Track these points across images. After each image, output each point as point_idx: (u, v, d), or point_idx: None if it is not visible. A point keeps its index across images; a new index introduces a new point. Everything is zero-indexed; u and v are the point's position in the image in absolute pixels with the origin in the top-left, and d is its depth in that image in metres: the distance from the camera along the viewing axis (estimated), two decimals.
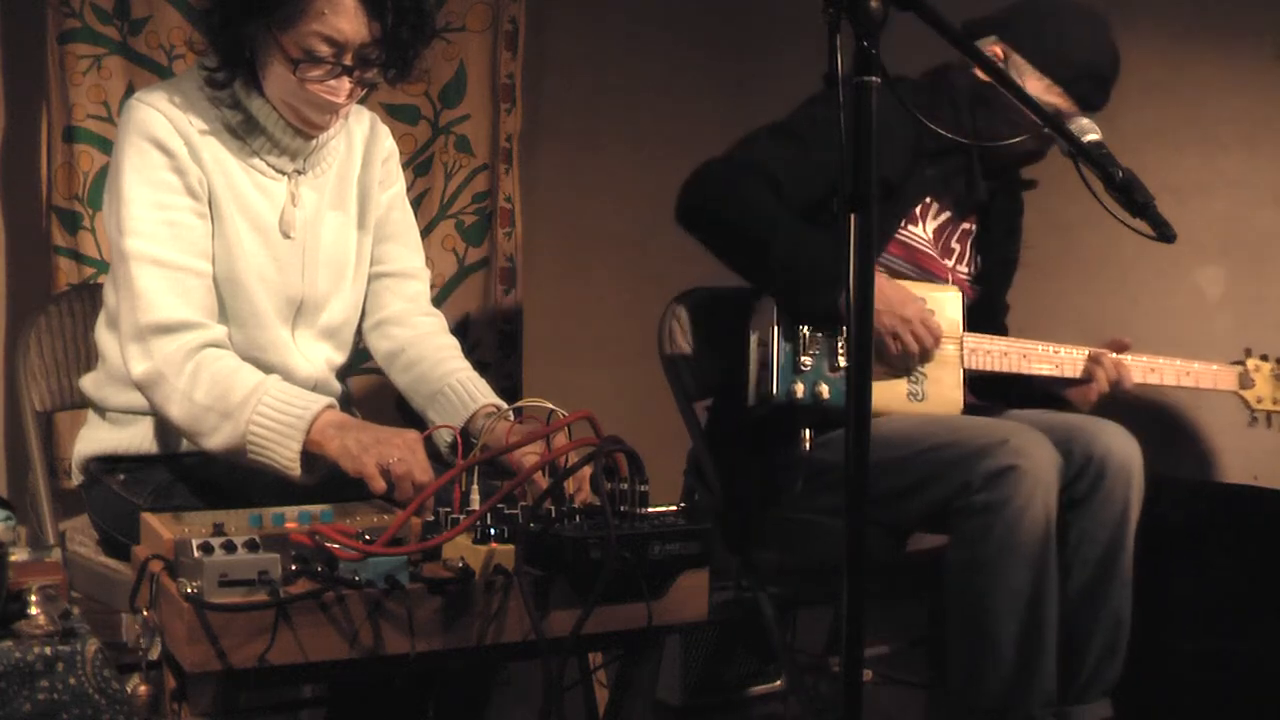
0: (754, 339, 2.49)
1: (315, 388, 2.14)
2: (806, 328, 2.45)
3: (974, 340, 2.58)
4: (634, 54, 3.86)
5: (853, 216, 1.48)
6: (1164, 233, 2.20)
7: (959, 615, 2.35)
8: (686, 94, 3.89)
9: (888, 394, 2.50)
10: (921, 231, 2.63)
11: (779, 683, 3.09)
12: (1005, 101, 2.53)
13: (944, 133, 2.43)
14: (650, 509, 1.78)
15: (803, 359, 2.45)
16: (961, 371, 2.56)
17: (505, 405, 2.12)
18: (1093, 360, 2.63)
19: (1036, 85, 2.53)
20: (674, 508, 1.82)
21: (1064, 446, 2.43)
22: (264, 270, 2.11)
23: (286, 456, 1.93)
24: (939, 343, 2.50)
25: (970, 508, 2.31)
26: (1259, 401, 2.78)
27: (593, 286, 3.85)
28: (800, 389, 2.44)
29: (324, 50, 1.99)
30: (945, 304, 2.56)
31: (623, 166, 3.82)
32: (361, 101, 2.15)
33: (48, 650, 1.56)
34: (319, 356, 2.20)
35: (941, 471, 2.34)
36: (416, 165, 3.44)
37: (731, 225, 2.48)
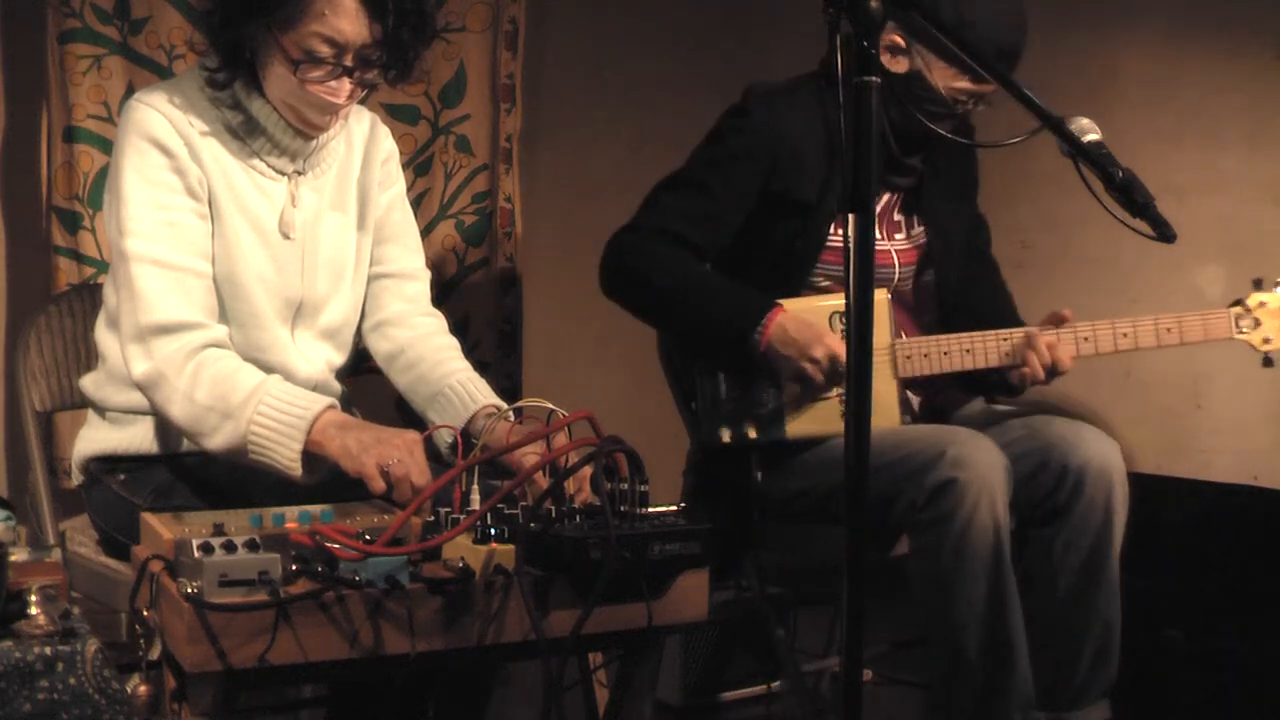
0: (681, 394, 2.59)
1: (315, 388, 2.14)
2: (723, 374, 2.52)
3: (907, 346, 2.50)
4: (634, 54, 3.86)
5: (852, 217, 1.48)
6: (1164, 233, 2.20)
7: (927, 628, 2.36)
8: (686, 94, 3.89)
9: (824, 417, 2.50)
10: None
11: (779, 683, 3.09)
12: (913, 83, 2.46)
13: (941, 131, 2.41)
14: (650, 509, 1.78)
15: (725, 404, 2.52)
16: (895, 381, 2.50)
17: (506, 406, 2.12)
18: (1024, 344, 2.47)
19: (944, 74, 2.45)
20: (674, 508, 1.82)
21: (1042, 456, 2.42)
22: (263, 271, 2.11)
23: (287, 457, 1.92)
24: (839, 376, 2.44)
25: (919, 524, 2.32)
26: (1267, 342, 2.50)
27: (593, 286, 3.82)
28: (727, 434, 2.51)
29: (324, 51, 1.99)
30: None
31: (623, 166, 3.82)
32: (361, 102, 2.15)
33: (48, 650, 1.56)
34: (319, 357, 2.20)
35: (888, 490, 2.33)
36: (416, 165, 3.44)
37: (641, 294, 2.57)
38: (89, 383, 2.21)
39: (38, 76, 2.98)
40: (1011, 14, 2.44)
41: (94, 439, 2.18)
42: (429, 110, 3.44)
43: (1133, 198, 2.18)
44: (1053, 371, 2.49)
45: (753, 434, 2.50)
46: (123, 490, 2.12)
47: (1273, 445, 2.98)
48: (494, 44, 3.51)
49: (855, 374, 1.50)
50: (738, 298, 2.50)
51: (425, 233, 3.45)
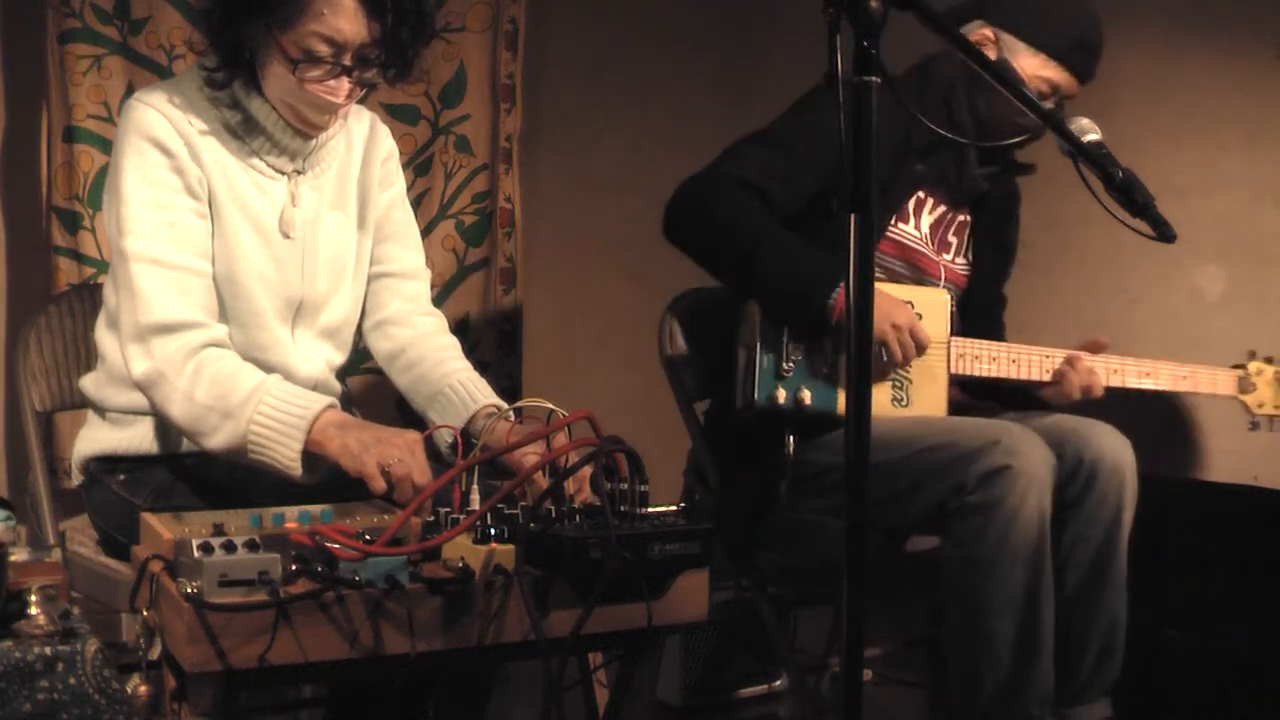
0: (741, 347, 2.50)
1: (315, 388, 2.14)
2: (789, 335, 2.47)
3: (961, 345, 2.57)
4: (634, 54, 3.86)
5: (853, 217, 1.48)
6: (1164, 233, 2.20)
7: (955, 616, 2.36)
8: (686, 93, 3.89)
9: (876, 399, 2.49)
10: (913, 229, 2.63)
11: (779, 683, 3.10)
12: (1012, 75, 2.51)
13: (938, 129, 2.42)
14: (650, 509, 1.78)
15: (784, 365, 2.47)
16: (947, 376, 2.56)
17: (506, 406, 2.12)
18: (1067, 363, 2.60)
19: (1032, 62, 2.54)
20: (674, 508, 1.82)
21: (1056, 449, 2.43)
22: (263, 270, 2.11)
23: (287, 456, 1.92)
24: (923, 352, 2.49)
25: (965, 508, 2.31)
26: (1260, 406, 2.75)
27: (593, 286, 3.85)
28: (782, 395, 2.46)
29: (323, 50, 1.99)
30: (933, 306, 2.55)
31: (623, 166, 3.82)
32: (361, 101, 2.15)
33: (48, 650, 1.56)
34: (319, 357, 2.20)
35: (936, 473, 2.34)
36: (416, 165, 3.44)
37: (717, 239, 2.49)
38: (89, 383, 2.21)
39: (38, 76, 2.98)
40: (1081, 5, 2.57)
41: (94, 439, 2.18)
42: (429, 110, 3.44)
43: (1133, 197, 2.18)
44: (1087, 393, 2.58)
45: (807, 400, 2.46)
46: (123, 490, 2.12)
47: (1273, 445, 2.97)
48: (494, 44, 3.51)
49: (855, 374, 1.50)
50: (820, 259, 2.45)
51: (425, 233, 3.45)
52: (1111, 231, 2.17)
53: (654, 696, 1.94)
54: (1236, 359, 2.79)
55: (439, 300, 3.48)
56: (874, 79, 1.48)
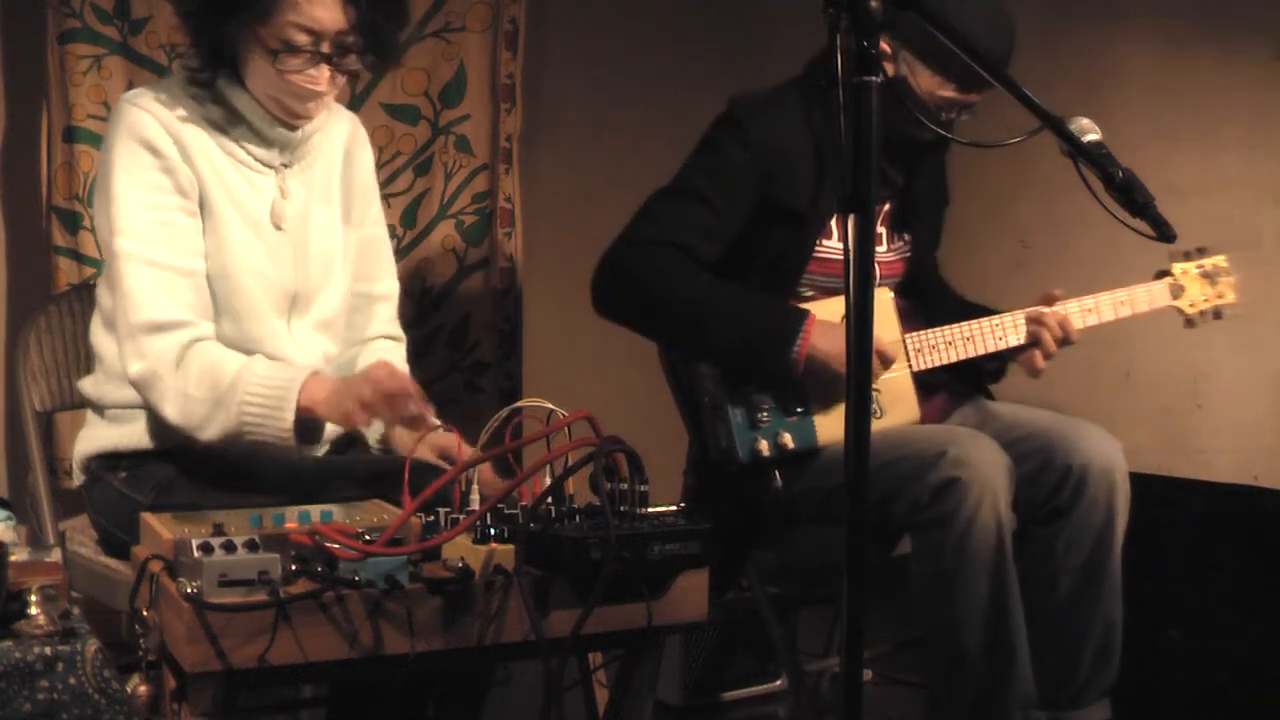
0: (701, 398, 2.47)
1: None
2: (753, 388, 2.45)
3: (916, 340, 2.53)
4: (634, 54, 3.86)
5: (852, 217, 1.48)
6: (1164, 233, 2.20)
7: (927, 628, 2.36)
8: (686, 93, 3.88)
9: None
10: (835, 241, 2.56)
11: (779, 683, 3.09)
12: (912, 98, 2.44)
13: (937, 129, 2.38)
14: (650, 509, 1.78)
15: (758, 416, 2.45)
16: (910, 375, 2.53)
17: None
18: (1034, 321, 2.56)
19: (929, 82, 2.45)
20: (674, 508, 1.82)
21: (1044, 457, 2.42)
22: (258, 263, 2.13)
23: (282, 430, 1.98)
24: (889, 364, 2.47)
25: (921, 524, 2.31)
26: (1191, 306, 2.73)
27: None
28: (765, 446, 2.44)
29: (302, 40, 2.03)
30: (878, 311, 2.50)
31: (623, 166, 3.82)
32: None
33: (48, 650, 1.56)
34: (315, 348, 2.22)
35: (892, 489, 2.32)
36: (416, 165, 3.44)
37: (655, 313, 2.47)
38: (88, 384, 2.22)
39: (38, 76, 2.98)
40: (999, 22, 2.44)
41: (94, 437, 2.19)
42: (429, 110, 3.44)
43: (1132, 197, 2.18)
44: (1064, 342, 2.55)
45: (789, 444, 2.45)
46: (124, 487, 2.12)
47: (1273, 445, 2.98)
48: (494, 44, 3.51)
49: (855, 374, 1.50)
50: (769, 310, 2.44)
51: (425, 233, 3.45)
52: (1111, 231, 2.17)
53: (654, 696, 1.94)
54: (1237, 358, 2.79)
55: (439, 300, 3.49)
56: (874, 79, 1.47)
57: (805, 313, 2.43)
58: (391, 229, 3.38)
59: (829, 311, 2.48)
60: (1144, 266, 3.08)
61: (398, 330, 2.41)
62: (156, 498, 2.08)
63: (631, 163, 3.83)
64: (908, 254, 2.68)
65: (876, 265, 2.60)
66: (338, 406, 1.97)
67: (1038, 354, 2.55)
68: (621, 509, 1.74)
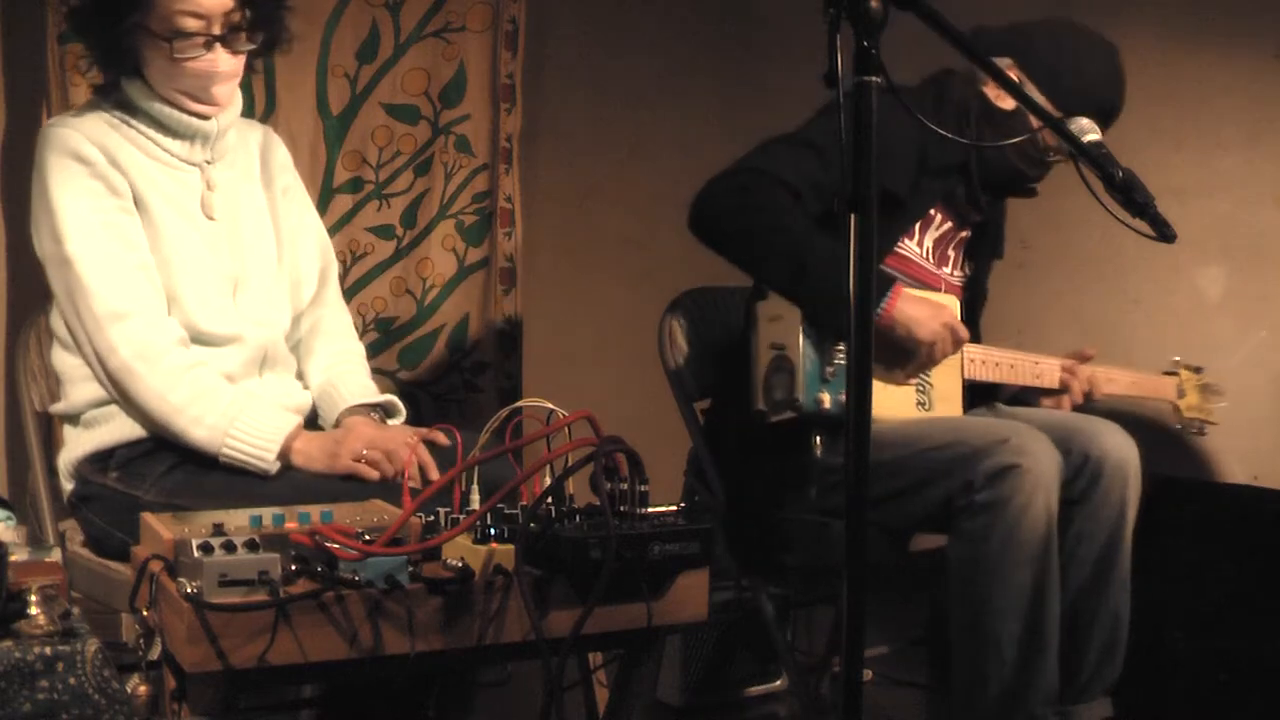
0: (771, 347, 2.44)
1: (266, 356, 2.26)
2: (831, 339, 2.45)
3: (972, 350, 2.59)
4: (634, 54, 3.85)
5: (852, 217, 1.48)
6: (1164, 233, 2.20)
7: (961, 614, 2.35)
8: (686, 94, 3.89)
9: (899, 401, 2.50)
10: (915, 244, 2.61)
11: (779, 683, 3.09)
12: (1011, 121, 2.52)
13: (956, 138, 2.40)
14: (650, 509, 1.77)
15: (828, 368, 2.44)
16: (961, 379, 2.57)
17: (375, 403, 2.30)
18: (1067, 372, 2.69)
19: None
20: (674, 508, 1.82)
21: (1062, 446, 2.43)
22: (197, 252, 2.20)
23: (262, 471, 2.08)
24: (959, 349, 2.50)
25: (972, 506, 2.31)
26: (1188, 409, 2.88)
27: (593, 287, 3.84)
28: (826, 399, 2.42)
29: (191, 25, 2.10)
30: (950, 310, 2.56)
31: (623, 166, 3.82)
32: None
33: (48, 650, 1.56)
34: (265, 324, 2.28)
35: (943, 470, 2.34)
36: (416, 165, 3.43)
37: (759, 240, 2.43)
38: (59, 406, 2.27)
39: (38, 76, 2.97)
40: (1110, 71, 2.55)
41: (78, 443, 2.22)
42: (429, 110, 3.44)
43: (1133, 198, 2.18)
44: (1088, 397, 2.69)
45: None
46: (120, 485, 2.13)
47: (1274, 445, 2.98)
48: (494, 44, 3.51)
49: (856, 374, 1.50)
50: None
51: (425, 233, 3.45)
52: (1112, 232, 2.18)
53: (654, 696, 1.94)
54: (1236, 359, 2.80)
55: (439, 300, 3.49)
56: (875, 79, 1.48)
57: (893, 278, 2.48)
58: (391, 229, 3.40)
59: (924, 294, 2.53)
60: (1144, 267, 3.09)
61: (347, 322, 2.46)
62: (159, 494, 2.10)
63: (631, 163, 3.83)
64: (963, 284, 2.74)
65: (943, 283, 2.68)
66: (330, 464, 2.08)
67: (1066, 400, 2.69)
68: (621, 509, 1.74)
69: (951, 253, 2.70)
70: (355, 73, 3.32)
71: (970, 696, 2.35)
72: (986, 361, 2.62)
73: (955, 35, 1.68)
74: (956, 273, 2.73)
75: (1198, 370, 2.90)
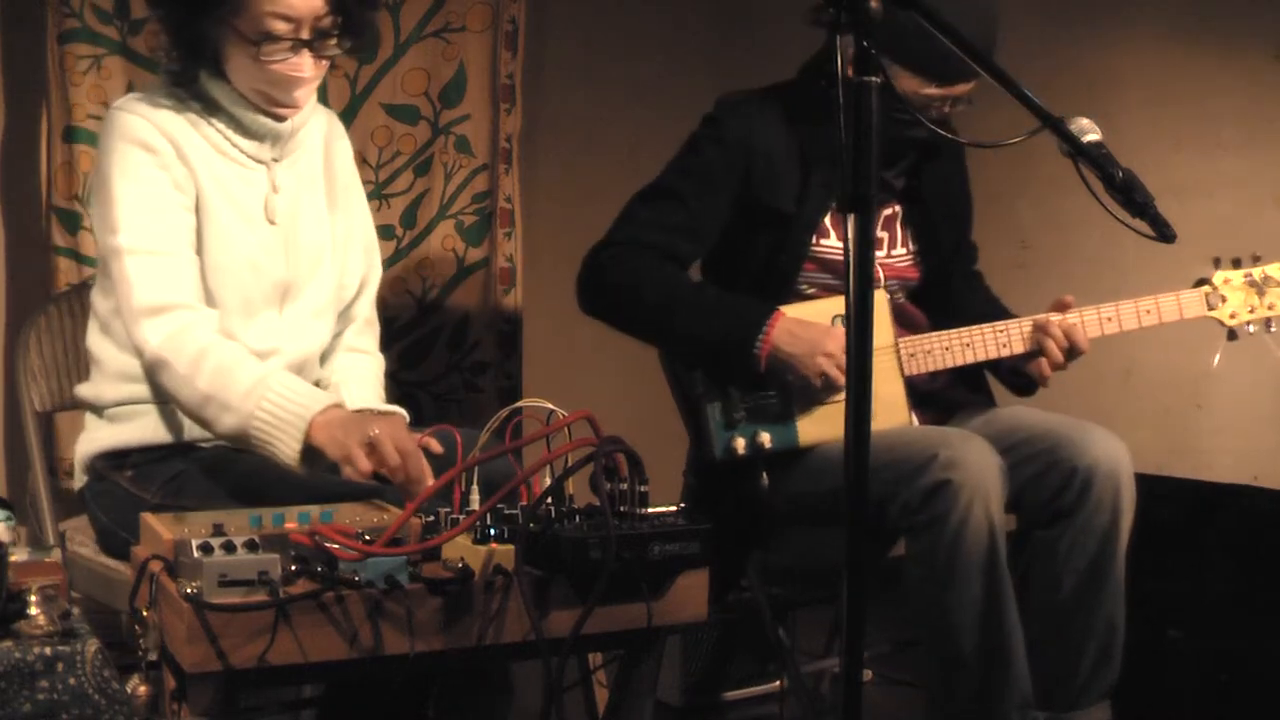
0: (688, 396, 2.51)
1: (302, 369, 2.20)
2: (731, 386, 2.47)
3: (910, 344, 2.51)
4: (634, 54, 3.86)
5: (852, 217, 1.48)
6: (1164, 233, 2.19)
7: (923, 629, 2.35)
8: (686, 93, 3.88)
9: (835, 419, 2.44)
10: (834, 240, 2.56)
11: (779, 683, 3.09)
12: (891, 95, 2.42)
13: (935, 129, 2.35)
14: (650, 509, 1.77)
15: (735, 414, 2.47)
16: (902, 380, 2.50)
17: (380, 408, 2.24)
18: (1039, 330, 2.51)
19: (910, 83, 2.42)
20: (674, 508, 1.82)
21: (1049, 458, 2.41)
22: (253, 256, 2.16)
23: (287, 454, 1.96)
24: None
25: (914, 526, 2.30)
26: (1233, 317, 2.59)
27: None
28: (740, 443, 2.46)
29: (281, 28, 2.06)
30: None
31: (623, 166, 3.81)
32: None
33: (48, 650, 1.56)
34: (306, 338, 2.25)
35: (882, 493, 2.31)
36: (416, 165, 3.44)
37: (627, 311, 2.53)
38: (85, 389, 2.23)
39: (38, 76, 2.98)
40: (979, 12, 2.39)
41: (97, 438, 2.19)
42: (429, 110, 3.44)
43: (1133, 198, 2.18)
44: (1071, 353, 2.51)
45: (767, 443, 2.46)
46: (131, 486, 2.13)
47: (1273, 445, 2.98)
48: (494, 44, 3.51)
49: (856, 374, 1.50)
50: (735, 306, 2.47)
51: (425, 233, 3.45)
52: (1112, 232, 2.17)
53: (654, 696, 1.94)
54: (1238, 359, 2.78)
55: (439, 300, 3.49)
56: (874, 79, 1.48)
57: (772, 311, 2.44)
58: (391, 229, 3.40)
59: (823, 310, 2.48)
60: (1144, 267, 3.08)
61: (371, 339, 2.41)
62: (164, 497, 2.09)
63: (631, 163, 3.81)
64: (921, 259, 2.66)
65: (880, 268, 2.61)
66: (342, 444, 1.94)
67: (1044, 362, 2.52)
68: (621, 509, 1.74)
69: (882, 234, 2.62)
70: (355, 73, 3.32)
71: (944, 708, 2.35)
72: (932, 352, 2.51)
73: (955, 35, 1.68)
74: (900, 251, 2.64)
75: (1242, 263, 2.59)
